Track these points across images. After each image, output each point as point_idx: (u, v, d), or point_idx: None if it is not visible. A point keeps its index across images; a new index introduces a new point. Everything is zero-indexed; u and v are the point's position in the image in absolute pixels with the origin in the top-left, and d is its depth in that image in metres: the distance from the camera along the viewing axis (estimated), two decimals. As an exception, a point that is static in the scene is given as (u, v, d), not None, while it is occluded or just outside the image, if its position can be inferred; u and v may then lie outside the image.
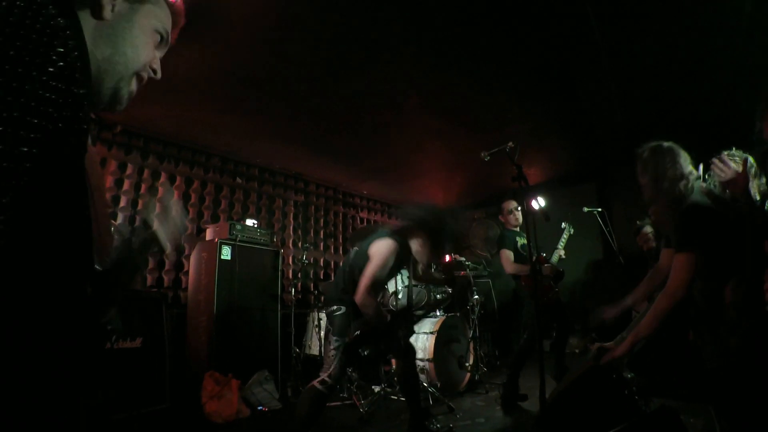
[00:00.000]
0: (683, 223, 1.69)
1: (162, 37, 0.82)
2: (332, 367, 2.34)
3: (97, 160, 0.83)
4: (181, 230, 0.97)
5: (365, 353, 2.36)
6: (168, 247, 0.95)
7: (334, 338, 2.42)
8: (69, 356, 0.58)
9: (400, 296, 4.03)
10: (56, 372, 0.56)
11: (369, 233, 2.68)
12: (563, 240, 3.93)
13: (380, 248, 2.44)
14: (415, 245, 2.58)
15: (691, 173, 1.78)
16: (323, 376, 2.34)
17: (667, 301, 1.67)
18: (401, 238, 2.55)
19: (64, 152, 0.57)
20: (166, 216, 0.96)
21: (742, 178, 1.65)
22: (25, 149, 0.50)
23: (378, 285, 2.46)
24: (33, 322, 0.53)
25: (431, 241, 2.56)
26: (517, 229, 3.79)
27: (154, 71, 0.82)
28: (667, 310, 1.66)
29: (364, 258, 2.44)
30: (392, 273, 2.62)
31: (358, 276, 2.40)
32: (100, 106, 0.76)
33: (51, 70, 0.54)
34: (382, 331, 2.39)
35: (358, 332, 2.33)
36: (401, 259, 2.56)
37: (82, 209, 0.61)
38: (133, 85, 0.79)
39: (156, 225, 0.94)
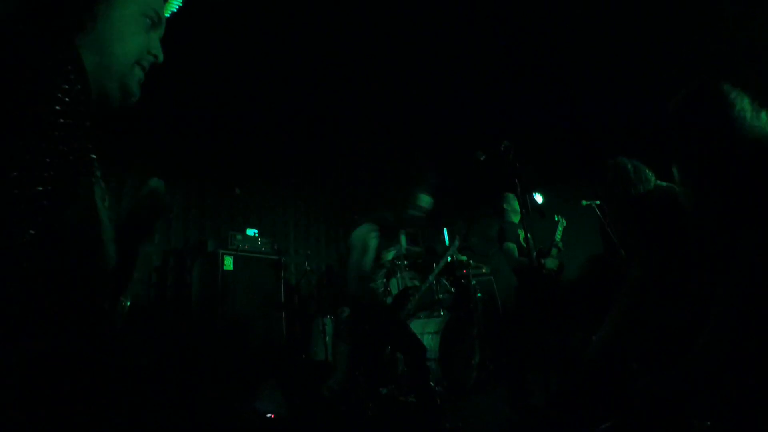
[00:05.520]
0: None
1: (152, 19, 0.76)
2: (340, 372, 2.35)
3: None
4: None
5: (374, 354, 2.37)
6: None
7: (343, 344, 2.44)
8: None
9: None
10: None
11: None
12: (558, 233, 3.92)
13: (356, 236, 2.50)
14: (383, 208, 2.63)
15: None
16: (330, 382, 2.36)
17: None
18: (374, 215, 2.59)
19: (77, 185, 0.59)
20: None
21: None
22: (41, 188, 0.52)
23: (365, 271, 2.45)
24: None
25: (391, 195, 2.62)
26: (517, 221, 3.79)
27: (155, 56, 0.78)
28: None
29: (349, 251, 2.51)
30: (383, 249, 2.65)
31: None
32: (114, 105, 0.74)
33: (58, 108, 0.55)
34: (384, 320, 2.40)
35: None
36: (386, 235, 2.59)
37: (95, 235, 0.64)
38: (138, 74, 0.76)
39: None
